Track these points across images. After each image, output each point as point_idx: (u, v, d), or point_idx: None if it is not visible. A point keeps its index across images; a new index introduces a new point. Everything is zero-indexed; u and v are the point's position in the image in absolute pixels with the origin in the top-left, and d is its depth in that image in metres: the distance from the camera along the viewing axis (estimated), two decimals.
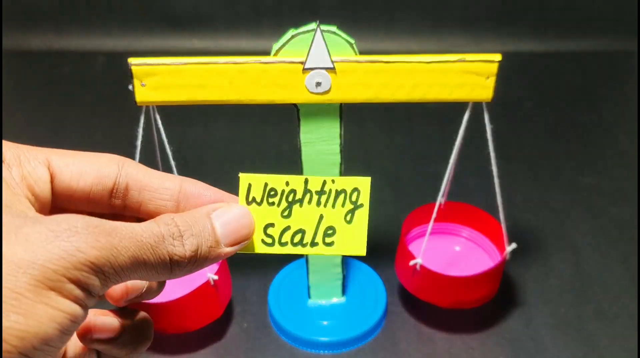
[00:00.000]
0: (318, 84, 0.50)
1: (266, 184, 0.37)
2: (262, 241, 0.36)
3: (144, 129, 0.53)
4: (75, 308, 0.23)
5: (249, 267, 0.69)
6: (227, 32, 1.17)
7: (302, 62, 0.50)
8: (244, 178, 0.36)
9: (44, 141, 1.02)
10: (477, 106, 0.53)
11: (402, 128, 0.96)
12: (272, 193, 0.37)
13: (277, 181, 0.37)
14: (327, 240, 0.38)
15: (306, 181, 0.37)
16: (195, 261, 0.28)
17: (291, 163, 0.89)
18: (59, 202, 0.29)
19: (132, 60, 0.49)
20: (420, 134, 0.95)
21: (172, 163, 0.55)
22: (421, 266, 0.59)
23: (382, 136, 0.94)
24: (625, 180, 0.85)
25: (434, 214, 0.62)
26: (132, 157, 0.54)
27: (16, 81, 1.07)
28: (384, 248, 0.73)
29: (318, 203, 0.37)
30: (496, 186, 0.58)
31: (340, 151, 0.55)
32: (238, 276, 0.68)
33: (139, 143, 0.53)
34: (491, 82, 0.51)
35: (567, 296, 0.67)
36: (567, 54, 1.16)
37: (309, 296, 0.65)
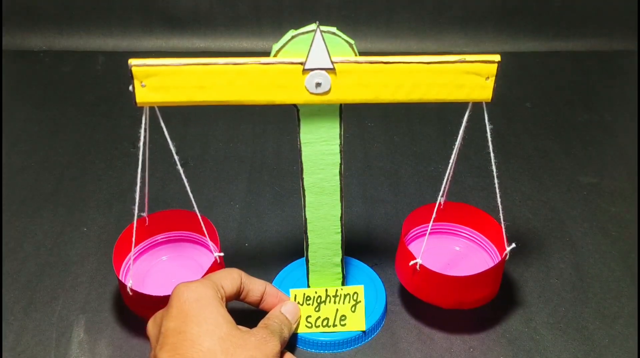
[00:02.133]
0: (318, 84, 0.51)
1: (304, 294, 0.62)
2: (305, 325, 0.61)
3: (144, 130, 0.53)
4: None
5: (249, 267, 0.69)
6: (227, 32, 1.17)
7: (302, 63, 0.50)
8: (292, 292, 0.62)
9: (44, 140, 1.02)
10: (476, 106, 0.53)
11: (402, 128, 0.96)
12: (308, 298, 0.62)
13: (310, 291, 0.62)
14: (342, 322, 0.61)
15: (326, 290, 0.62)
16: (285, 340, 0.55)
17: (291, 162, 0.89)
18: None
19: (132, 61, 0.49)
20: (420, 134, 0.95)
21: (181, 170, 0.56)
22: (421, 266, 0.59)
23: (382, 136, 0.95)
24: (625, 180, 0.85)
25: (434, 214, 0.62)
26: (136, 158, 0.54)
27: (16, 81, 1.07)
28: (384, 248, 0.73)
29: (334, 302, 0.62)
30: (496, 186, 0.58)
31: (340, 151, 0.55)
32: None
33: (141, 144, 0.53)
34: (491, 83, 0.51)
35: (567, 296, 0.67)
36: (567, 54, 1.16)
37: None
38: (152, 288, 0.64)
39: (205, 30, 1.17)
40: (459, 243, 0.70)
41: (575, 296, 0.67)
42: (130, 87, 0.50)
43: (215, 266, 0.60)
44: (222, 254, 0.61)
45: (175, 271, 0.67)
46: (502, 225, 0.61)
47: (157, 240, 0.69)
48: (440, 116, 0.98)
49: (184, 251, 0.69)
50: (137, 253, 0.67)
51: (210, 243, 0.63)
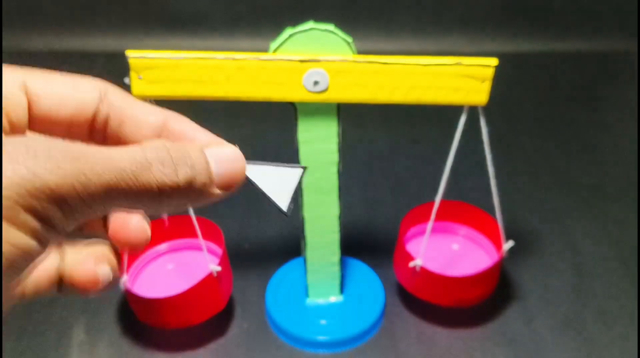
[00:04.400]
0: (316, 82, 0.50)
1: None
2: None
3: None
4: (29, 243, 0.21)
5: (247, 266, 0.69)
6: (226, 32, 1.17)
7: (300, 61, 0.49)
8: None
9: None
10: (475, 108, 0.53)
11: (402, 128, 0.96)
12: None
13: None
14: None
15: None
16: (188, 196, 0.24)
17: (291, 163, 0.89)
18: (36, 132, 0.26)
19: (130, 52, 0.49)
20: (419, 134, 0.95)
21: None
22: (420, 266, 0.59)
23: (382, 136, 0.94)
24: (625, 180, 0.85)
25: (433, 215, 0.62)
26: None
27: None
28: (382, 247, 0.73)
29: None
30: (492, 187, 0.58)
31: (338, 149, 0.55)
32: (236, 276, 0.68)
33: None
34: (486, 86, 0.51)
35: (567, 296, 0.67)
36: (567, 54, 1.16)
37: (307, 295, 0.65)
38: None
39: (204, 30, 1.17)
40: (457, 242, 0.70)
41: (575, 297, 0.67)
42: (127, 80, 0.50)
43: (210, 279, 0.58)
44: (219, 268, 0.57)
45: (179, 280, 0.66)
46: (500, 223, 0.60)
47: (162, 248, 0.68)
48: (440, 116, 0.97)
49: (188, 259, 0.68)
50: (143, 263, 0.67)
51: (207, 256, 0.59)
